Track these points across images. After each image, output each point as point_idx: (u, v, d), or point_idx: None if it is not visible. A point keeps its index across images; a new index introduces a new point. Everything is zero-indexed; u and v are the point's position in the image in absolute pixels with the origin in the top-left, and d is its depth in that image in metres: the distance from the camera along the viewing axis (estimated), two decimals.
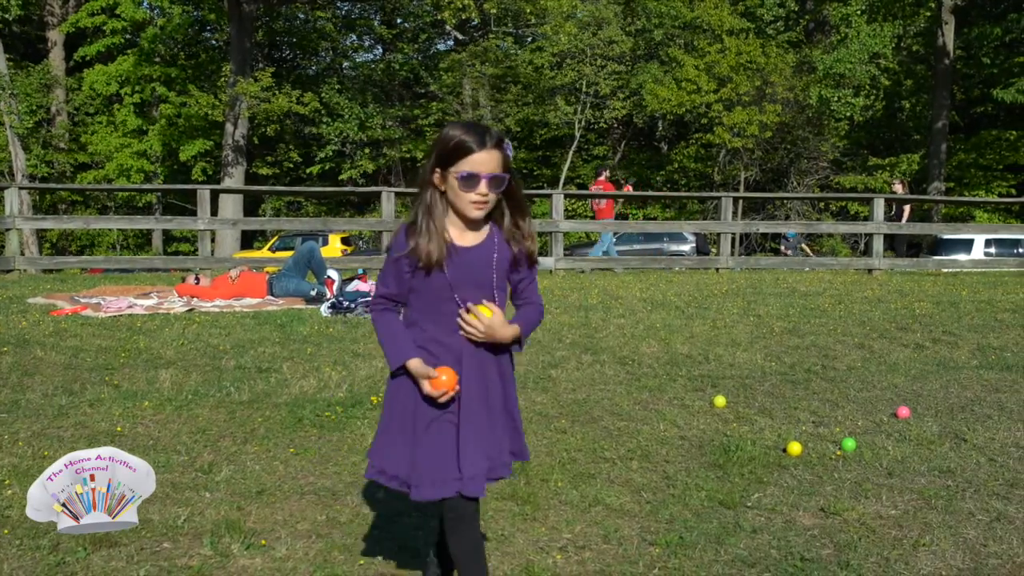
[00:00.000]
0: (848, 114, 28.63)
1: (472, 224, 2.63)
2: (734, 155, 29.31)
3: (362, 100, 34.31)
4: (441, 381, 2.55)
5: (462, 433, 2.60)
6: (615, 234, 18.10)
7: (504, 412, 2.71)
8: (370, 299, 8.83)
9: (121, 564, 3.24)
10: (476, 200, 2.56)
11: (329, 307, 8.86)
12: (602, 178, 17.12)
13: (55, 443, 4.55)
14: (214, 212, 21.84)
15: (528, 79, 30.40)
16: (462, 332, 2.61)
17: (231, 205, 25.79)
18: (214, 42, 36.08)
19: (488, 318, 2.60)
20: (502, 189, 2.60)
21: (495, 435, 2.66)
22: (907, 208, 16.72)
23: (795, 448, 4.53)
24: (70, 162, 33.04)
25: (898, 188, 18.45)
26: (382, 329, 2.65)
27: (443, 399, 2.57)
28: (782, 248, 23.87)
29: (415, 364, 2.57)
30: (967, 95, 31.37)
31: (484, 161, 2.54)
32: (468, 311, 2.60)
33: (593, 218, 18.72)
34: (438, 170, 2.58)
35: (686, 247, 24.30)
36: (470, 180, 2.54)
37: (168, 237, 34.02)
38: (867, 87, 28.57)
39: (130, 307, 9.00)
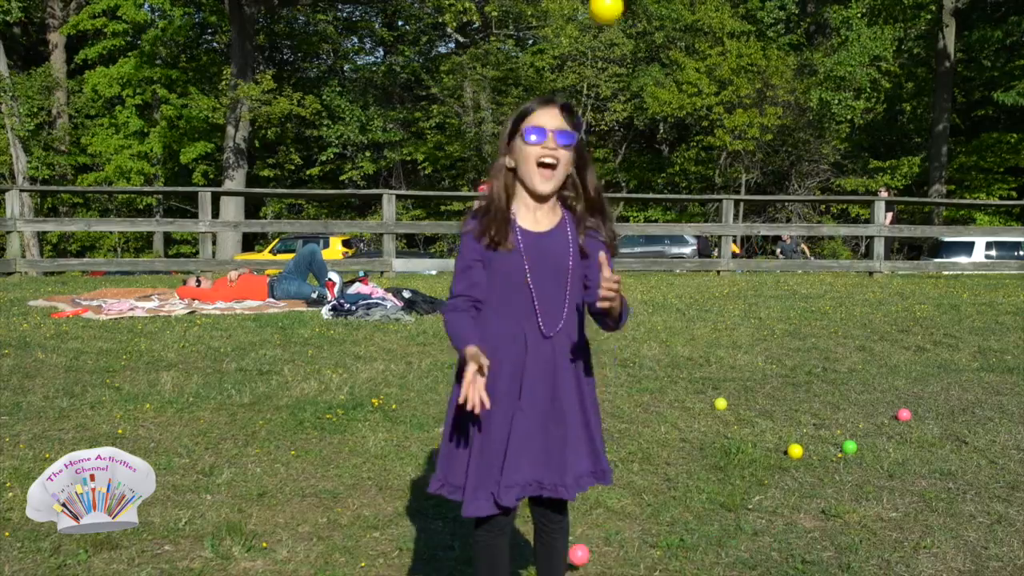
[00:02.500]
0: (849, 117, 28.66)
1: (543, 204, 2.47)
2: (735, 158, 29.31)
3: (363, 103, 34.35)
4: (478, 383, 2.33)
5: (512, 437, 2.43)
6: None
7: (580, 425, 2.51)
8: (372, 300, 8.82)
9: (122, 566, 3.24)
10: (543, 156, 2.41)
11: (330, 309, 8.86)
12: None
13: (56, 445, 4.56)
14: (215, 214, 21.91)
15: (529, 81, 30.42)
16: (603, 294, 2.31)
17: (232, 207, 25.80)
18: (215, 45, 36.11)
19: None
20: (571, 147, 2.43)
21: (555, 445, 2.46)
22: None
23: (796, 450, 4.53)
24: (71, 164, 33.06)
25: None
26: (450, 327, 2.46)
27: (469, 401, 2.31)
28: (778, 252, 23.91)
29: (472, 350, 2.33)
30: (968, 98, 31.37)
31: (548, 115, 2.42)
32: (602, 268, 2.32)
33: None
34: (508, 147, 2.47)
35: (687, 249, 24.31)
36: (536, 133, 2.40)
37: (169, 239, 34.04)
38: (868, 90, 28.60)
39: (131, 309, 9.00)
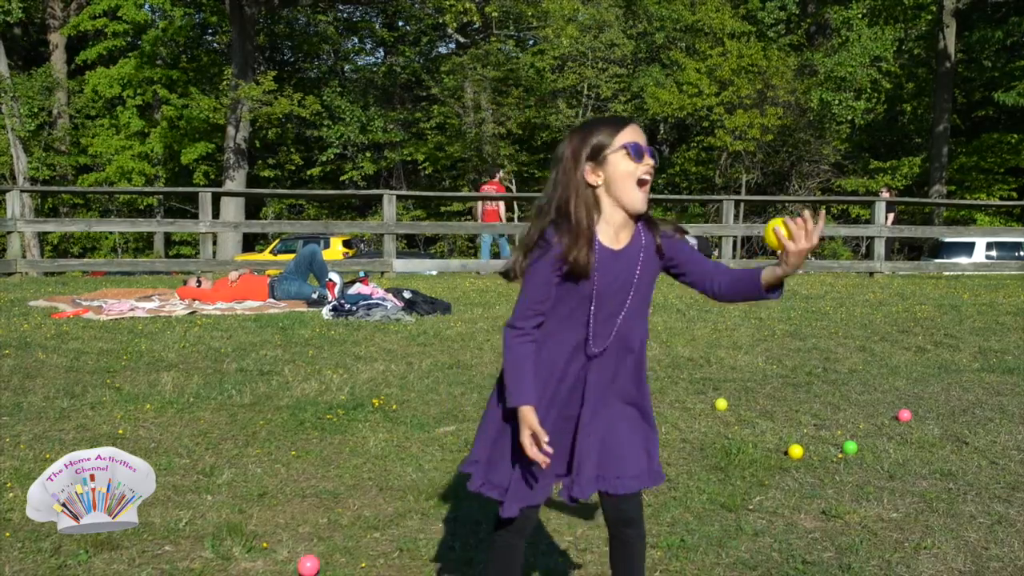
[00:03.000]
0: (849, 117, 28.65)
1: (627, 221, 2.41)
2: (735, 158, 29.31)
3: (363, 103, 34.35)
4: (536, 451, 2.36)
5: (579, 444, 2.44)
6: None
7: (631, 431, 2.51)
8: (373, 301, 8.80)
9: (123, 567, 3.24)
10: (644, 173, 2.35)
11: (331, 310, 8.86)
12: (496, 179, 16.98)
13: (56, 446, 4.56)
14: (216, 215, 21.94)
15: (529, 82, 30.43)
16: (791, 243, 2.35)
17: (232, 208, 25.81)
18: (215, 45, 36.14)
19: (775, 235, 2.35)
20: (658, 165, 2.43)
21: (611, 449, 2.48)
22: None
23: (796, 451, 4.53)
24: (71, 165, 33.07)
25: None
26: (511, 359, 2.41)
27: (533, 455, 2.34)
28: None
29: (527, 412, 2.34)
30: (968, 98, 31.38)
31: (638, 133, 2.37)
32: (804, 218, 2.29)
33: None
34: (590, 164, 2.36)
35: None
36: (639, 150, 2.33)
37: (169, 240, 34.05)
38: (868, 90, 28.60)
39: (132, 310, 9.00)
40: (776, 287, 2.47)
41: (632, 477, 2.49)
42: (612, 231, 2.40)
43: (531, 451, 2.32)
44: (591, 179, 2.36)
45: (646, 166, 2.36)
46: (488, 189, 16.85)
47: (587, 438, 2.45)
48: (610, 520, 2.58)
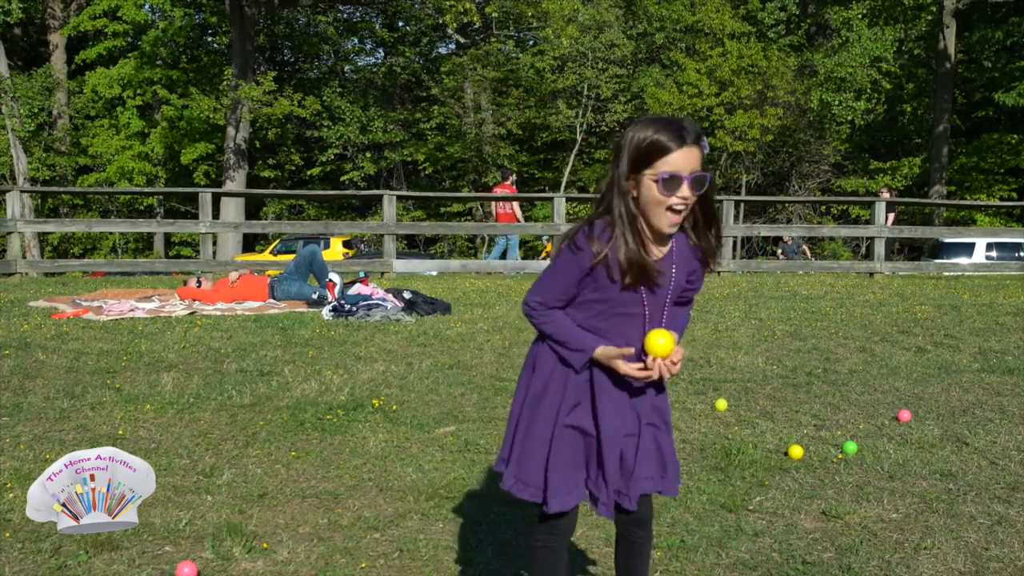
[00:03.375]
0: (849, 118, 28.66)
1: (662, 237, 2.37)
2: (735, 159, 29.32)
3: (363, 103, 34.36)
4: (656, 343, 2.31)
5: (605, 449, 2.43)
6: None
7: (652, 439, 2.51)
8: (373, 301, 8.81)
9: (123, 567, 3.24)
10: (677, 204, 2.27)
11: (331, 310, 8.86)
12: (508, 182, 17.03)
13: (57, 446, 4.56)
14: (216, 215, 21.92)
15: (529, 82, 30.45)
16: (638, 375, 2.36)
17: (233, 208, 25.80)
18: (215, 45, 36.14)
19: (666, 350, 2.34)
20: (703, 191, 2.32)
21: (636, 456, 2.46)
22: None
23: (796, 451, 4.53)
24: (71, 165, 33.08)
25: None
26: (555, 327, 2.39)
27: (652, 373, 2.34)
28: (779, 253, 23.95)
29: (603, 351, 2.34)
30: (968, 99, 31.38)
31: (685, 159, 2.26)
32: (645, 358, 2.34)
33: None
34: (633, 177, 2.30)
35: None
36: (672, 183, 2.25)
37: (170, 240, 34.06)
38: (868, 91, 28.60)
39: (132, 310, 9.00)
40: None
41: (647, 478, 2.47)
42: (647, 241, 2.37)
43: (631, 370, 2.34)
44: (630, 189, 2.32)
45: (678, 198, 2.28)
46: (501, 192, 16.90)
47: (612, 448, 2.43)
48: (620, 520, 2.56)
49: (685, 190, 2.27)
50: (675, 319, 2.48)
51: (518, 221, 16.46)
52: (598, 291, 2.36)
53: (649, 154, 2.27)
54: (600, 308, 2.38)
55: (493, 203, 17.53)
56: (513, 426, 2.51)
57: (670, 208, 2.29)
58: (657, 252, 2.38)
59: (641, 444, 2.45)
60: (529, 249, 31.29)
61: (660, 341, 2.32)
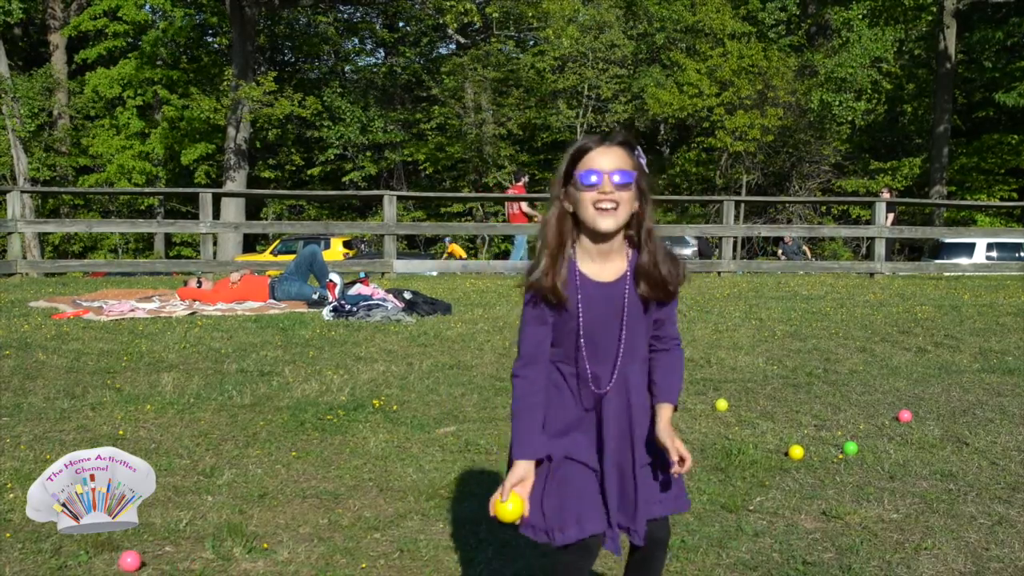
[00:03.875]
0: (850, 118, 28.68)
1: (606, 245, 2.34)
2: (736, 159, 29.33)
3: (364, 104, 34.37)
4: (505, 509, 2.33)
5: (606, 485, 2.40)
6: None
7: (648, 468, 2.46)
8: (373, 301, 8.81)
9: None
10: (599, 200, 2.27)
11: (331, 311, 8.86)
12: (520, 183, 17.06)
13: (57, 446, 4.56)
14: (216, 215, 21.94)
15: (530, 83, 30.46)
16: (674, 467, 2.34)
17: (233, 208, 25.82)
18: (216, 46, 36.16)
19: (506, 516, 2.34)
20: (629, 186, 2.30)
21: (630, 489, 2.44)
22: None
23: (797, 452, 4.53)
24: (72, 165, 33.09)
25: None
26: (516, 402, 2.40)
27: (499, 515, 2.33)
28: (779, 253, 23.97)
29: (521, 470, 2.34)
30: (969, 99, 31.39)
31: (605, 156, 2.28)
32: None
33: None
34: (563, 189, 2.33)
35: (688, 251, 24.32)
36: (589, 177, 2.27)
37: (170, 241, 34.07)
38: (869, 91, 28.61)
39: (132, 311, 9.01)
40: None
41: (656, 503, 2.44)
42: (593, 263, 2.36)
43: (495, 511, 2.32)
44: (564, 205, 2.34)
45: (599, 194, 2.28)
46: (513, 193, 16.93)
47: (611, 487, 2.41)
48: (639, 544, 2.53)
49: (606, 184, 2.27)
50: (664, 379, 2.44)
51: (528, 221, 16.48)
52: (552, 318, 2.37)
53: (574, 161, 2.31)
54: (556, 335, 2.39)
55: (506, 204, 17.61)
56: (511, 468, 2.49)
57: (597, 207, 2.29)
58: (611, 272, 2.36)
59: (638, 473, 2.42)
60: (529, 249, 31.26)
61: (509, 507, 2.33)
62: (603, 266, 2.35)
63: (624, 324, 2.35)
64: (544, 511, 2.37)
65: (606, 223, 2.29)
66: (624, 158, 2.31)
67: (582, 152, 2.31)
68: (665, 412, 2.40)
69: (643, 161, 2.37)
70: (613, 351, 2.37)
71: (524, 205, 16.33)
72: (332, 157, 34.36)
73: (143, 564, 3.22)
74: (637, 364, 2.42)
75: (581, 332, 2.34)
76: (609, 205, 2.29)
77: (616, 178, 2.28)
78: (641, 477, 2.42)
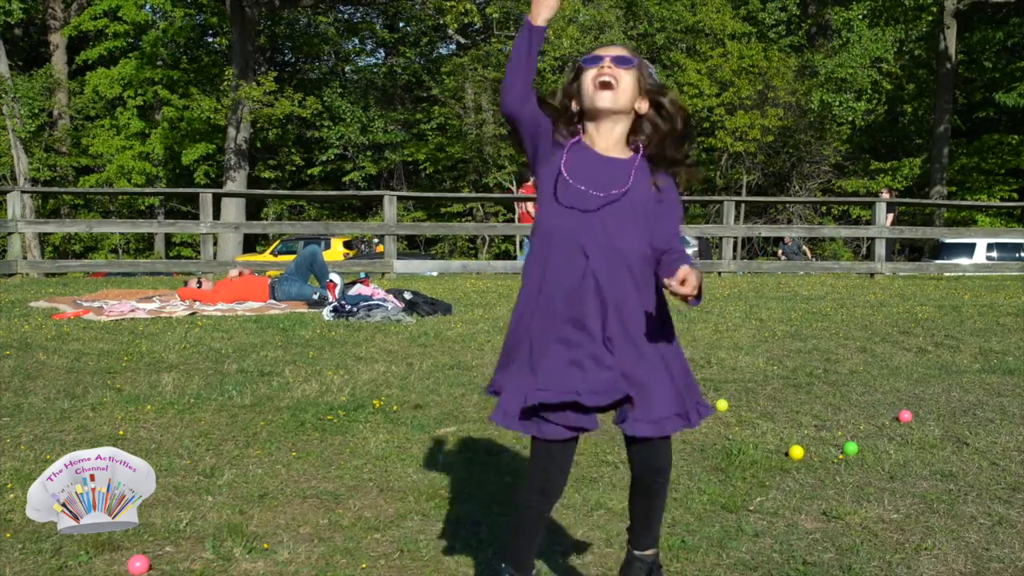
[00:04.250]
0: (850, 118, 28.66)
1: (606, 129, 2.47)
2: (736, 159, 29.33)
3: (364, 104, 34.37)
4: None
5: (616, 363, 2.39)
6: None
7: (657, 356, 2.44)
8: (373, 302, 8.81)
9: (123, 568, 3.24)
10: (598, 76, 2.44)
11: (331, 311, 8.86)
12: (530, 183, 17.08)
13: (57, 446, 4.56)
14: (216, 216, 21.93)
15: None
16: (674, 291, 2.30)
17: (233, 209, 25.82)
18: (216, 46, 36.16)
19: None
20: (630, 69, 2.46)
21: (634, 370, 2.42)
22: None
23: (797, 452, 4.53)
24: (72, 166, 33.09)
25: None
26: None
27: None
28: (780, 253, 23.98)
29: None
30: (969, 99, 31.38)
31: (607, 49, 2.49)
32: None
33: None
34: (569, 87, 2.52)
35: (688, 251, 24.32)
36: (593, 59, 2.46)
37: (170, 241, 34.06)
38: (869, 91, 28.60)
39: (132, 311, 9.01)
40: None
41: (665, 418, 2.43)
42: (599, 139, 2.48)
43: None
44: (571, 105, 2.50)
45: (598, 69, 2.44)
46: (524, 192, 16.96)
47: (618, 361, 2.38)
48: (638, 466, 2.52)
49: (605, 63, 2.44)
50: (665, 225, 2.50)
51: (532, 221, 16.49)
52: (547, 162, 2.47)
53: (583, 62, 2.50)
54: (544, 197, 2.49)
55: (516, 204, 17.70)
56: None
57: (599, 83, 2.43)
58: (615, 151, 2.48)
59: (653, 372, 2.42)
60: None
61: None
62: (608, 145, 2.49)
63: (626, 197, 2.41)
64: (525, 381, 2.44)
65: (604, 98, 2.43)
66: (626, 50, 2.50)
67: (589, 52, 2.53)
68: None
69: (651, 71, 2.53)
70: (600, 214, 2.42)
71: (531, 205, 16.33)
72: (332, 157, 34.34)
73: (151, 568, 3.22)
74: (633, 236, 2.44)
75: (561, 173, 2.42)
76: (608, 79, 2.42)
77: (615, 52, 2.47)
78: (651, 366, 2.43)
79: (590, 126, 2.49)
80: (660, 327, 2.46)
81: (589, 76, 2.45)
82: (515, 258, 27.90)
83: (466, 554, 3.38)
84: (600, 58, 2.45)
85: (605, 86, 2.43)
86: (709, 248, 24.88)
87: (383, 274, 13.84)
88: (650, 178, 2.47)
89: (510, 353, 2.53)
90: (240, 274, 10.47)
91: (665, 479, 2.57)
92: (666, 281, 2.29)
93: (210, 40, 36.63)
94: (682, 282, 2.26)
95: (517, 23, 31.11)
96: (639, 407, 2.41)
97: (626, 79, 2.44)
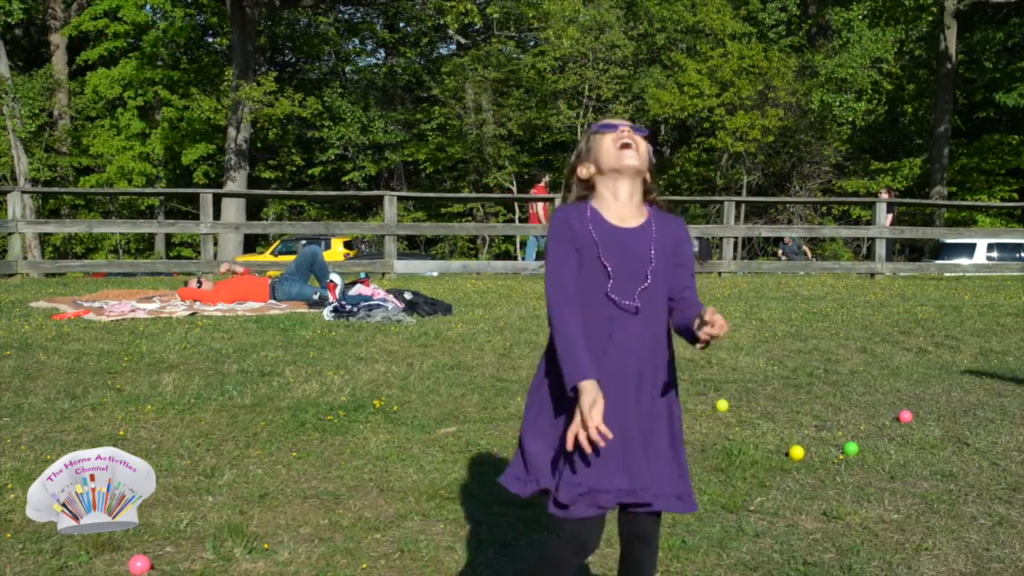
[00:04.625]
0: (850, 118, 28.65)
1: (628, 187, 2.47)
2: (736, 159, 29.31)
3: (364, 104, 34.37)
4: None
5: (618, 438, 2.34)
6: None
7: (667, 434, 2.45)
8: (374, 302, 8.80)
9: (123, 568, 3.24)
10: (619, 138, 2.47)
11: (332, 311, 8.86)
12: (541, 184, 17.07)
13: (57, 447, 4.56)
14: (216, 216, 21.92)
15: (530, 83, 30.43)
16: (703, 334, 2.29)
17: (233, 209, 25.80)
18: (216, 46, 36.16)
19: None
20: (645, 138, 2.52)
21: (645, 449, 2.39)
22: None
23: (797, 452, 4.53)
24: (72, 166, 33.09)
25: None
26: (560, 328, 2.34)
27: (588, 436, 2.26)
28: (780, 253, 23.98)
29: (589, 387, 2.26)
30: (969, 99, 31.38)
31: (615, 119, 2.56)
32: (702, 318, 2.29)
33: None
34: (582, 156, 2.52)
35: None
36: (609, 126, 2.50)
37: (170, 241, 34.06)
38: (869, 91, 28.60)
39: (133, 311, 9.01)
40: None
41: (667, 496, 2.40)
42: (614, 212, 2.46)
43: (589, 425, 2.23)
44: (582, 171, 2.50)
45: (620, 134, 2.48)
46: (535, 193, 16.96)
47: (635, 434, 2.37)
48: (624, 535, 2.50)
49: (625, 128, 2.50)
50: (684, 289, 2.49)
51: (540, 222, 16.50)
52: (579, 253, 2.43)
53: (595, 132, 2.53)
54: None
55: (529, 204, 17.70)
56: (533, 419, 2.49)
57: (622, 144, 2.46)
58: (631, 220, 2.46)
59: (657, 444, 2.41)
60: (537, 254, 31.22)
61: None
62: (623, 216, 2.47)
63: (651, 265, 2.42)
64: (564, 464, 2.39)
65: (629, 158, 2.46)
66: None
67: (601, 123, 2.54)
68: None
69: (650, 151, 2.55)
70: (636, 286, 2.41)
71: (542, 206, 16.35)
72: (332, 157, 34.34)
73: (152, 568, 3.22)
74: (660, 308, 2.45)
75: (611, 276, 2.39)
76: (629, 141, 2.47)
77: (634, 129, 2.52)
78: (658, 442, 2.42)
79: (605, 191, 2.48)
80: (672, 387, 2.50)
81: (608, 139, 2.48)
82: (515, 258, 27.94)
83: (466, 554, 3.38)
84: (616, 125, 2.50)
85: (628, 147, 2.47)
86: (710, 248, 24.88)
87: (383, 274, 13.84)
88: (663, 232, 2.48)
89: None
90: (231, 271, 10.42)
91: (651, 549, 2.51)
92: (701, 333, 2.30)
93: (210, 40, 36.64)
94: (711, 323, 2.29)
95: (517, 23, 31.13)
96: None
97: (643, 144, 2.51)
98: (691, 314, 2.38)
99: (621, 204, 2.47)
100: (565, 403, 2.38)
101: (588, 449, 2.25)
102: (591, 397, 2.24)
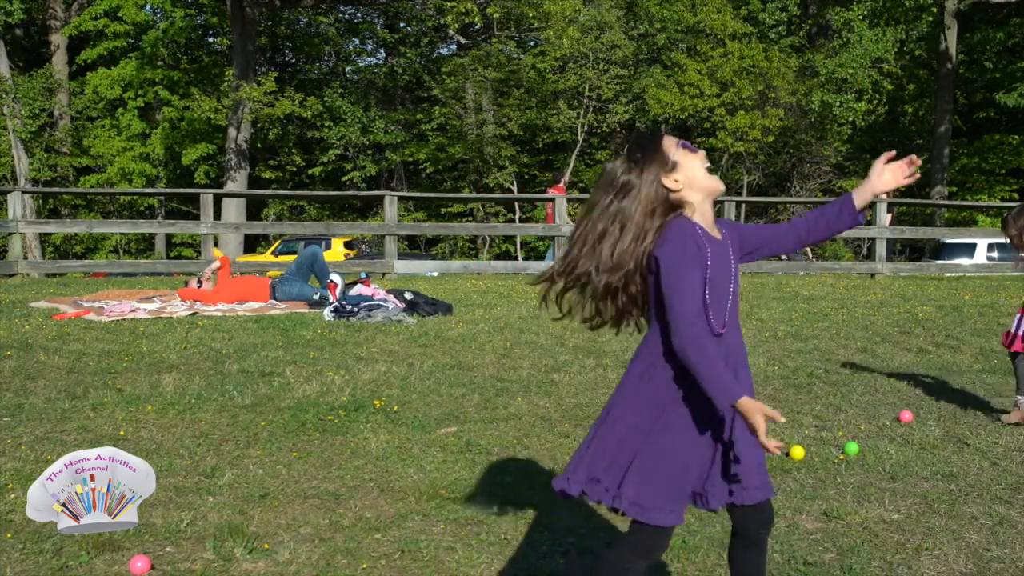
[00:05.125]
0: (850, 118, 28.64)
1: (711, 209, 2.52)
2: (737, 159, 29.31)
3: (364, 104, 34.36)
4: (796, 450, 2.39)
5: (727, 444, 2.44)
6: None
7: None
8: (374, 302, 8.79)
9: (124, 568, 3.24)
10: (707, 163, 2.52)
11: (332, 311, 8.86)
12: (560, 184, 17.06)
13: (58, 447, 4.56)
14: (217, 216, 21.90)
15: (531, 83, 30.42)
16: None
17: (234, 209, 25.79)
18: (217, 46, 36.15)
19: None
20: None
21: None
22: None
23: (798, 452, 4.53)
24: (72, 166, 33.09)
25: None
26: (705, 357, 2.33)
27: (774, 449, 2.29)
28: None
29: (747, 403, 2.28)
30: (970, 99, 31.38)
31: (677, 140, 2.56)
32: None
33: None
34: (663, 169, 2.47)
35: None
36: (690, 147, 2.52)
37: (171, 241, 34.04)
38: (869, 91, 28.59)
39: (133, 311, 9.01)
40: (858, 211, 2.54)
41: (757, 487, 2.47)
42: (705, 221, 2.50)
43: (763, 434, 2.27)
44: (670, 183, 2.47)
45: (704, 158, 2.54)
46: (552, 193, 16.95)
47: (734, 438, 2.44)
48: (747, 526, 2.52)
49: (703, 154, 2.56)
50: (772, 228, 2.66)
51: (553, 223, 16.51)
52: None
53: (655, 146, 2.51)
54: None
55: (547, 204, 17.70)
56: (626, 455, 2.46)
57: (709, 170, 2.52)
58: (716, 232, 2.51)
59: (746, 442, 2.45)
60: (530, 250, 31.28)
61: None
62: (712, 226, 2.51)
63: (734, 278, 2.47)
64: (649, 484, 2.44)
65: (721, 184, 2.54)
66: None
67: (659, 138, 2.53)
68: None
69: None
70: (726, 302, 2.46)
71: (553, 205, 16.33)
72: (333, 157, 34.32)
73: (152, 568, 3.22)
74: (737, 319, 2.53)
75: (708, 285, 2.41)
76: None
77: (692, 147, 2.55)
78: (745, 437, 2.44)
79: (699, 209, 2.50)
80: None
81: (699, 162, 2.50)
82: (515, 258, 27.93)
83: (467, 554, 3.38)
84: (696, 148, 2.54)
85: (713, 172, 2.53)
86: None
87: (384, 274, 13.84)
88: (736, 234, 2.57)
89: None
90: (220, 264, 10.41)
91: (769, 529, 2.58)
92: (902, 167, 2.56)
93: (210, 40, 36.61)
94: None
95: (518, 23, 31.13)
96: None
97: None
98: (824, 217, 2.57)
99: (706, 221, 2.50)
100: (704, 423, 2.42)
101: (777, 452, 2.30)
102: (757, 406, 2.28)
